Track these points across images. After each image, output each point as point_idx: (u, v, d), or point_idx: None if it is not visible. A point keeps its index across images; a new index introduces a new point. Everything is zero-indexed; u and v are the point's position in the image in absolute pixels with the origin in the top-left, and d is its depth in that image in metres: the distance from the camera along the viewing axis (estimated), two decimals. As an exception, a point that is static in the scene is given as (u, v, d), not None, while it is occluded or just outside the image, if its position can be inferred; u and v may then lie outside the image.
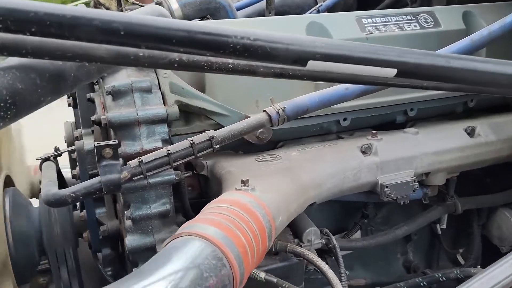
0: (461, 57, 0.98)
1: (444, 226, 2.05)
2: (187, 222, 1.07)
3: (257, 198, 1.19)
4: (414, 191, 1.61)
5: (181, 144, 1.27)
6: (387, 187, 1.57)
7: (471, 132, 1.74)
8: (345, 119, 1.67)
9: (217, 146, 1.30)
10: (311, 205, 1.52)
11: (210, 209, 1.13)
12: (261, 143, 1.55)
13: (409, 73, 0.91)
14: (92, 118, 1.39)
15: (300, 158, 1.52)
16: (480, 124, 1.77)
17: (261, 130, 1.52)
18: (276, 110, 1.35)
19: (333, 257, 1.62)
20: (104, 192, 1.21)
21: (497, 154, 1.77)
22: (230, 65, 1.00)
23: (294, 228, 1.61)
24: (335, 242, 1.60)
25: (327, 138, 1.72)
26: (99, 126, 1.40)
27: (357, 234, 1.95)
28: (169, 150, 1.25)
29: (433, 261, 2.16)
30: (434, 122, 1.85)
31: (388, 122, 1.78)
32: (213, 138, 1.29)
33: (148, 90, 1.34)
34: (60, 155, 1.60)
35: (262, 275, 1.24)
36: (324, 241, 1.61)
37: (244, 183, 1.25)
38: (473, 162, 1.74)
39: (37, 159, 1.56)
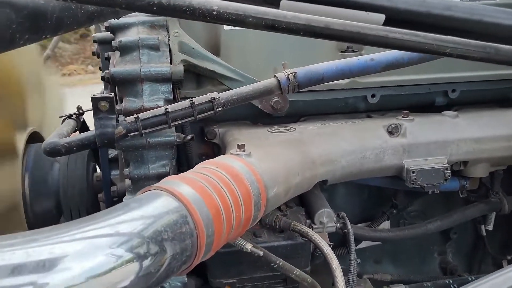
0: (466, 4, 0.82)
1: (490, 228, 1.84)
2: (165, 178, 1.02)
3: (249, 164, 1.11)
4: (445, 180, 1.45)
5: (181, 104, 1.22)
6: (413, 172, 1.42)
7: (524, 120, 1.53)
8: (373, 96, 1.53)
9: (219, 109, 1.24)
10: (323, 184, 1.41)
11: (196, 169, 1.07)
12: (277, 113, 1.46)
13: (400, 21, 0.78)
14: (101, 74, 1.38)
15: (315, 132, 1.42)
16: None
17: (276, 99, 1.44)
18: (286, 76, 1.26)
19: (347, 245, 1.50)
20: (98, 145, 1.20)
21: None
22: (215, 12, 0.93)
23: (308, 208, 1.51)
24: (349, 227, 1.47)
25: (356, 117, 1.59)
26: (108, 83, 1.39)
27: (386, 226, 1.80)
28: (167, 109, 1.20)
29: (475, 265, 1.94)
30: (481, 108, 1.64)
31: (426, 104, 1.61)
32: (214, 100, 1.22)
33: (156, 48, 1.30)
34: (82, 113, 1.62)
35: (248, 246, 1.16)
36: (339, 225, 1.49)
37: (240, 148, 1.18)
38: (525, 156, 1.53)
39: (60, 117, 1.59)
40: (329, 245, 1.46)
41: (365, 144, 1.41)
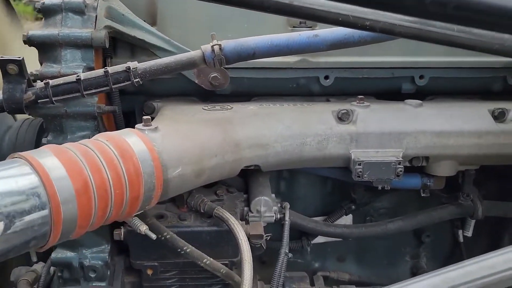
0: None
1: (468, 234, 1.65)
2: (41, 147, 0.95)
3: (147, 140, 1.02)
4: (397, 176, 1.30)
5: (95, 72, 1.15)
6: (359, 164, 1.28)
7: (499, 115, 1.33)
8: (326, 78, 1.39)
9: (137, 79, 1.15)
10: (257, 170, 1.30)
11: (83, 141, 0.99)
12: (216, 89, 1.36)
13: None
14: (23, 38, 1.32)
15: (251, 113, 1.30)
16: (519, 107, 1.36)
17: (214, 74, 1.34)
18: (212, 48, 1.15)
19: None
20: (6, 110, 1.15)
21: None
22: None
23: (248, 195, 1.41)
24: (287, 218, 1.36)
25: (313, 101, 1.46)
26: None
27: (349, 221, 1.66)
28: (78, 76, 1.13)
29: (449, 273, 1.76)
30: (456, 100, 1.46)
31: (391, 90, 1.45)
32: (130, 69, 1.14)
33: (81, 12, 1.23)
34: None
35: (143, 228, 1.08)
36: (279, 216, 1.38)
37: (145, 122, 1.09)
38: (498, 155, 1.34)
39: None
40: (266, 236, 1.36)
41: (307, 129, 1.28)
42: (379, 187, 1.34)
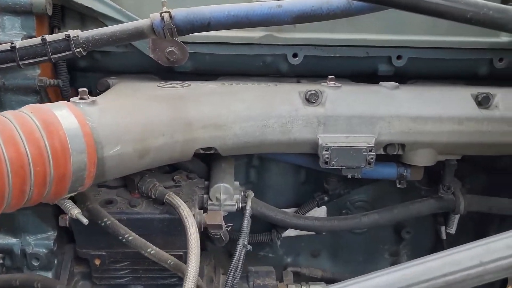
0: None
1: (452, 231, 1.54)
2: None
3: (79, 114, 0.92)
4: (369, 163, 1.18)
5: (32, 40, 1.04)
6: (326, 150, 1.17)
7: (483, 101, 1.22)
8: (295, 55, 1.27)
9: (78, 49, 1.04)
10: (220, 155, 1.19)
11: (4, 112, 0.89)
12: (174, 66, 1.25)
13: None
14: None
15: (209, 91, 1.19)
16: (504, 93, 1.23)
17: (171, 49, 1.23)
18: (161, 16, 1.04)
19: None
20: None
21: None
22: None
23: (209, 182, 1.30)
24: (249, 207, 1.25)
25: (282, 81, 1.35)
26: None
27: (323, 214, 1.55)
28: (13, 44, 1.03)
29: (430, 272, 1.64)
30: (436, 83, 1.35)
31: (367, 72, 1.34)
32: (71, 38, 1.03)
33: (22, -24, 1.12)
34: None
35: (74, 211, 0.96)
36: (241, 205, 1.27)
37: (81, 95, 0.98)
38: (480, 143, 1.22)
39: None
40: (227, 226, 1.25)
41: (269, 110, 1.17)
42: (349, 176, 1.22)
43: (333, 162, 1.18)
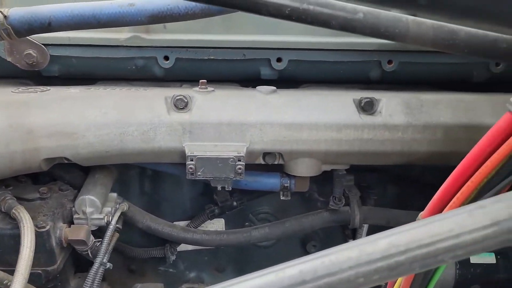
0: None
1: (360, 244, 1.44)
2: None
3: None
4: (239, 174, 1.10)
5: None
6: (191, 159, 1.09)
7: (366, 106, 1.13)
8: (166, 58, 1.19)
9: None
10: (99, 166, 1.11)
11: None
12: (33, 69, 1.17)
13: None
14: None
15: (65, 97, 1.10)
16: (391, 98, 1.15)
17: (28, 51, 1.15)
18: (-6, 16, 0.97)
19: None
20: None
21: (410, 148, 1.13)
22: None
23: (78, 194, 1.22)
24: (113, 222, 1.16)
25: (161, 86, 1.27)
26: None
27: (222, 227, 1.46)
28: None
29: None
30: (325, 87, 1.26)
31: (251, 75, 1.25)
32: None
33: None
34: None
35: None
36: (111, 219, 1.19)
37: None
38: (363, 152, 1.14)
39: None
40: (96, 241, 1.17)
41: (128, 117, 1.08)
42: (218, 188, 1.13)
43: (199, 173, 1.09)
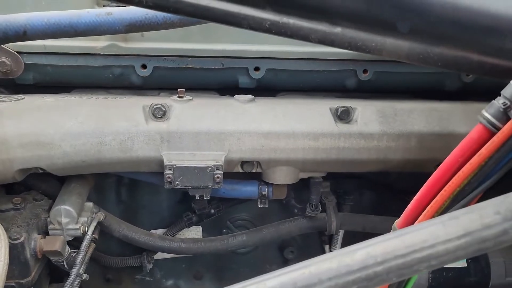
0: None
1: (336, 250, 1.46)
2: None
3: None
4: (217, 183, 1.10)
5: None
6: (169, 169, 1.08)
7: (342, 115, 1.15)
8: (144, 67, 1.19)
9: None
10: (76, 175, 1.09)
11: None
12: (7, 77, 1.16)
13: None
14: None
15: (40, 106, 1.09)
16: (366, 106, 1.17)
17: (2, 59, 1.13)
18: (-34, 24, 0.95)
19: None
20: None
21: (386, 156, 1.16)
22: None
23: (53, 204, 1.20)
24: (89, 233, 1.15)
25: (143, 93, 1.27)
26: None
27: (199, 235, 1.46)
28: None
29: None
30: (301, 96, 1.28)
31: (229, 84, 1.26)
32: None
33: None
34: None
35: None
36: (87, 229, 1.17)
37: None
38: (338, 161, 1.16)
39: None
40: (72, 252, 1.16)
41: (105, 126, 1.07)
42: (197, 197, 1.14)
43: (177, 182, 1.09)
